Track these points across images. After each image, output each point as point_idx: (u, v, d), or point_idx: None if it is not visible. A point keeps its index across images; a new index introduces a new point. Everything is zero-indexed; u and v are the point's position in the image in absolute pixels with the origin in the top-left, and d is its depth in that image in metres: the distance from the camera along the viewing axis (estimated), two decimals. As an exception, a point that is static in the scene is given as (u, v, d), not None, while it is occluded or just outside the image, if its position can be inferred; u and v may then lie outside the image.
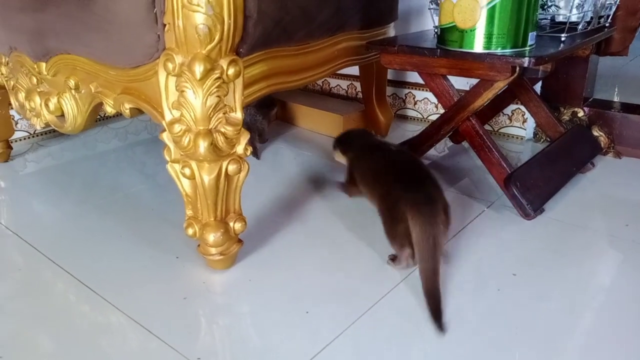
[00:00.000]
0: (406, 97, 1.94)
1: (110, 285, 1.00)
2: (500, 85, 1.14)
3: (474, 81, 1.26)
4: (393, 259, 1.01)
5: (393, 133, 1.80)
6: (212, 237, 0.95)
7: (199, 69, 0.83)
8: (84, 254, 1.11)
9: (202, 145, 0.88)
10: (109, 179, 1.50)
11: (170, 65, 0.86)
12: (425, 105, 1.90)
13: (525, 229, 1.16)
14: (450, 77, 1.24)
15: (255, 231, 1.17)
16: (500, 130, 1.76)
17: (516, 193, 1.17)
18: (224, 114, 0.90)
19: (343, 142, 1.26)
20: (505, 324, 0.87)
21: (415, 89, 1.90)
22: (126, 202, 1.34)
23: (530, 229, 1.17)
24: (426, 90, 1.88)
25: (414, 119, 1.95)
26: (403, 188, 0.96)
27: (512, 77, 1.10)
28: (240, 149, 0.94)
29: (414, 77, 1.89)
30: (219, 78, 0.86)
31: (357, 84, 2.04)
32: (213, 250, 0.99)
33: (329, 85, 2.15)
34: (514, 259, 1.05)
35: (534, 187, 1.20)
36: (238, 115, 0.92)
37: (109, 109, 1.05)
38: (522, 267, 1.02)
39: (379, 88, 1.68)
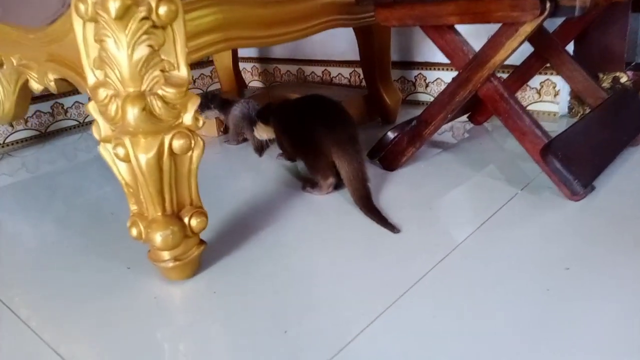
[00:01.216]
0: (416, 80, 1.70)
1: (40, 309, 0.77)
2: (527, 30, 0.89)
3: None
4: (312, 186, 1.09)
5: (402, 119, 1.56)
6: (159, 236, 0.73)
7: (113, 4, 0.61)
8: (22, 272, 0.90)
9: (132, 112, 0.66)
10: (92, 193, 1.29)
11: (82, 7, 0.65)
12: (439, 87, 1.66)
13: (571, 213, 0.91)
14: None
15: (227, 232, 0.94)
16: (528, 107, 1.51)
17: (558, 166, 0.91)
18: (161, 71, 0.68)
19: (261, 114, 1.26)
20: (560, 329, 0.62)
21: (426, 69, 1.67)
22: (94, 211, 1.13)
23: (578, 212, 0.91)
24: (438, 69, 1.64)
25: (426, 104, 1.70)
26: (327, 129, 1.03)
27: (542, 18, 0.86)
28: (187, 117, 0.72)
29: (423, 55, 1.66)
30: (146, 19, 0.64)
31: (360, 71, 1.81)
32: (165, 254, 0.76)
33: (329, 75, 1.92)
34: (562, 251, 0.80)
35: (579, 158, 0.95)
36: (182, 72, 0.70)
37: (35, 86, 0.85)
38: (573, 262, 0.76)
39: (381, 65, 1.45)
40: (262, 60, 2.15)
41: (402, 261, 0.81)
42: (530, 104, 1.51)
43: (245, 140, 1.45)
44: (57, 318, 0.75)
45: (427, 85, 1.69)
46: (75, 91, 1.79)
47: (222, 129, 1.57)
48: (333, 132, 1.02)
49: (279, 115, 1.20)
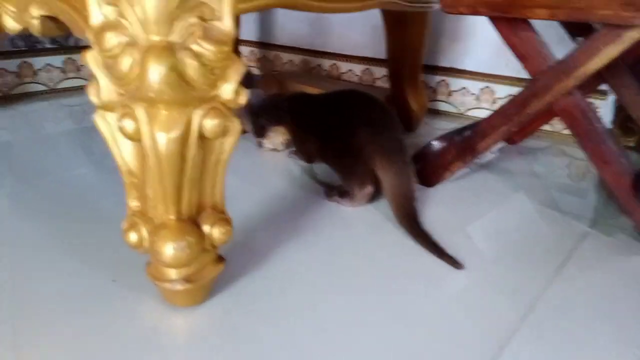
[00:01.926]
0: (438, 87, 1.54)
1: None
2: (633, 37, 0.74)
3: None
4: (341, 195, 0.90)
5: (422, 128, 1.39)
6: (170, 249, 0.52)
7: None
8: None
9: (156, 70, 0.46)
10: (59, 174, 1.06)
11: None
12: (463, 97, 1.50)
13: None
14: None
15: (239, 246, 0.74)
16: (564, 130, 1.37)
17: (651, 204, 0.76)
18: (199, 18, 0.48)
19: (271, 112, 1.09)
20: None
21: (451, 75, 1.51)
22: (65, 196, 0.90)
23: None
24: (466, 77, 1.48)
25: (447, 114, 1.55)
26: (371, 133, 0.86)
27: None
28: (227, 89, 0.52)
29: (450, 60, 1.50)
30: (193, -64, 0.45)
31: (375, 69, 1.64)
32: (172, 273, 0.55)
33: (338, 70, 1.74)
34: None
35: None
36: (227, 25, 0.50)
37: (10, 24, 0.62)
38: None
39: (412, 63, 1.28)
40: (262, 45, 1.94)
41: (477, 313, 0.63)
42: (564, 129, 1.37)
43: (244, 132, 1.24)
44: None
45: (449, 94, 1.53)
46: (49, 51, 1.54)
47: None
48: (379, 137, 0.85)
49: (301, 111, 1.01)
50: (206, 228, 0.55)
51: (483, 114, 1.47)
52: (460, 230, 0.83)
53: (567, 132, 1.37)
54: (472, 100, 1.49)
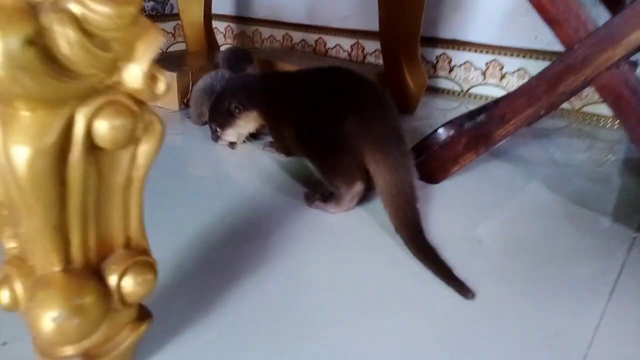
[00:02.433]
0: (438, 61, 1.35)
1: None
2: None
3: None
4: (324, 199, 0.72)
5: (421, 109, 1.21)
6: (49, 321, 0.34)
7: None
8: None
9: (3, 47, 0.27)
10: None
11: None
12: (467, 73, 1.32)
13: None
14: None
15: (190, 276, 0.56)
16: (584, 108, 1.19)
17: None
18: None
19: (237, 95, 0.89)
20: None
21: (453, 48, 1.32)
22: None
23: None
24: (470, 49, 1.29)
25: (449, 93, 1.36)
26: (360, 119, 0.68)
27: None
28: (135, 74, 0.33)
29: (451, 31, 1.31)
30: None
31: (366, 43, 1.45)
32: (67, 349, 0.37)
33: (324, 45, 1.54)
34: None
35: None
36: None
37: None
38: None
39: (410, 36, 1.09)
40: (240, 19, 1.74)
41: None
42: (588, 104, 1.19)
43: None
44: None
45: (451, 69, 1.34)
46: None
47: (185, 100, 1.17)
48: (369, 122, 0.67)
49: (275, 94, 0.82)
50: (112, 279, 0.37)
51: (490, 91, 1.29)
52: (470, 239, 0.66)
53: (586, 110, 1.19)
54: (477, 76, 1.30)
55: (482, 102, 1.27)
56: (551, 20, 0.66)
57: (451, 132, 0.75)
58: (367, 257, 0.62)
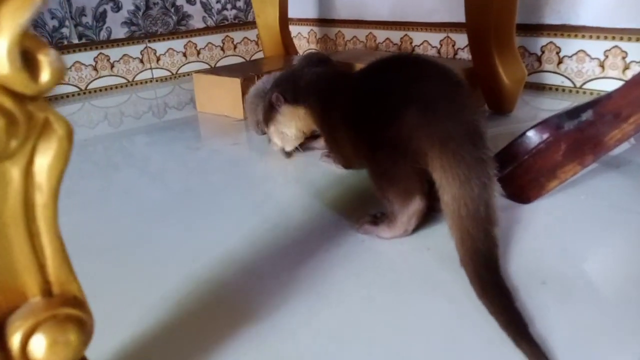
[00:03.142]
0: (543, 52, 1.14)
1: None
2: None
3: None
4: (374, 221, 0.58)
5: (516, 114, 1.01)
6: None
7: None
8: None
9: None
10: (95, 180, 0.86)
11: None
12: (580, 64, 1.09)
13: None
14: None
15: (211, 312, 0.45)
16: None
17: None
18: None
19: (284, 85, 0.77)
20: None
21: (562, 35, 1.10)
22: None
23: None
24: (584, 36, 1.07)
25: (557, 89, 1.14)
26: (423, 114, 0.52)
27: None
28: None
29: (559, 14, 1.09)
30: None
31: (456, 37, 1.27)
32: None
33: (411, 43, 1.39)
34: None
35: None
36: None
37: None
38: None
39: (502, 23, 0.91)
40: (322, 22, 1.64)
41: None
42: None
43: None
44: None
45: (560, 61, 1.12)
46: (77, 47, 1.37)
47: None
48: (437, 119, 0.52)
49: (329, 90, 0.70)
50: (14, 340, 0.27)
51: (609, 86, 1.05)
52: (567, 281, 0.48)
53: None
54: (593, 68, 1.07)
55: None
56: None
57: (545, 136, 0.57)
58: (419, 302, 0.47)
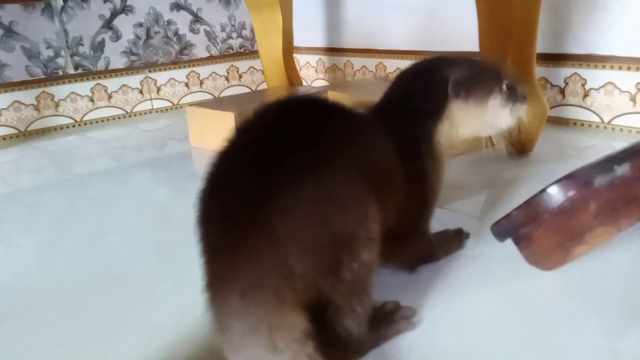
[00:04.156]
0: (567, 84, 1.03)
1: None
2: None
3: None
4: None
5: (537, 151, 0.90)
6: None
7: None
8: None
9: None
10: (92, 216, 0.79)
11: None
12: (609, 98, 0.98)
13: None
14: None
15: None
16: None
17: None
18: None
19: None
20: None
21: (588, 66, 0.99)
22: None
23: None
24: (613, 67, 0.96)
25: (584, 125, 1.03)
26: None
27: None
28: None
29: (586, 44, 0.99)
30: None
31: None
32: None
33: (422, 73, 1.30)
34: None
35: None
36: None
37: None
38: None
39: (520, 52, 0.81)
40: (330, 50, 1.57)
41: None
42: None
43: None
44: None
45: (586, 95, 1.01)
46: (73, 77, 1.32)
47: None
48: None
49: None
50: None
51: (645, 121, 0.94)
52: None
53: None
54: (623, 101, 0.96)
55: (633, 138, 0.93)
56: None
57: (571, 193, 0.46)
58: None
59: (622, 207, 0.45)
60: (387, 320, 0.46)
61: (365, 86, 1.24)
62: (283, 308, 0.33)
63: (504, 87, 0.54)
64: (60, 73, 1.32)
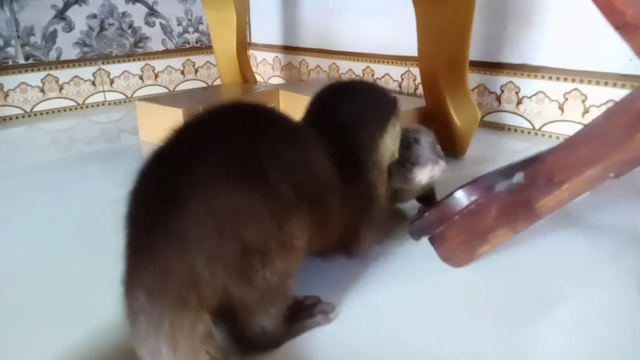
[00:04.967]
0: (503, 91, 1.10)
1: None
2: None
3: None
4: None
5: (473, 153, 0.96)
6: None
7: None
8: None
9: None
10: (40, 211, 0.78)
11: None
12: (540, 106, 1.05)
13: None
14: None
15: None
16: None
17: None
18: None
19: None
20: None
21: (522, 74, 1.06)
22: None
23: None
24: (544, 77, 1.03)
25: (517, 130, 1.09)
26: None
27: None
28: None
29: (520, 53, 1.05)
30: None
31: (418, 71, 1.23)
32: None
33: (372, 74, 1.34)
34: None
35: None
36: None
37: None
38: None
39: (453, 61, 0.86)
40: (286, 49, 1.60)
41: None
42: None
43: None
44: None
45: (520, 102, 1.08)
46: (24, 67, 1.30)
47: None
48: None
49: None
50: None
51: (569, 129, 1.01)
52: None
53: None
54: (552, 110, 1.03)
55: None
56: (626, 26, 0.41)
57: (474, 197, 0.51)
58: None
59: (519, 210, 0.50)
60: (306, 313, 0.49)
61: (317, 86, 1.27)
62: (186, 310, 0.36)
63: None
64: (10, 63, 1.30)
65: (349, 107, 0.57)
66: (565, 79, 1.00)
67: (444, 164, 0.63)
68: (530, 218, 0.49)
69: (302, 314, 0.49)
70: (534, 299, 0.51)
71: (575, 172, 0.45)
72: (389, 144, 0.57)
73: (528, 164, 0.49)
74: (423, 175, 0.61)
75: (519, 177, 0.49)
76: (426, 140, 0.63)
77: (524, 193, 0.48)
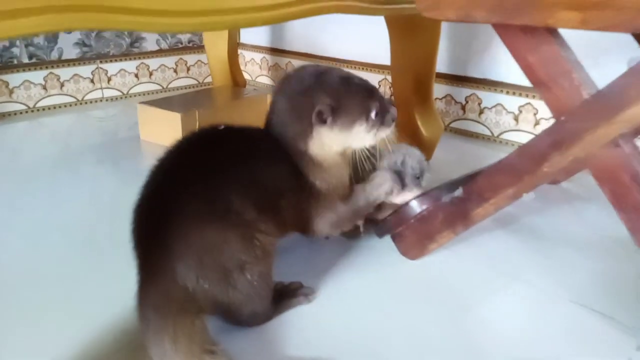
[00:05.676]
0: (467, 102, 1.23)
1: None
2: None
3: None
4: None
5: (441, 156, 1.10)
6: None
7: None
8: None
9: None
10: (39, 205, 0.88)
11: None
12: (498, 116, 1.19)
13: None
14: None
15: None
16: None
17: None
18: None
19: None
20: None
21: (484, 89, 1.19)
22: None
23: None
24: (502, 91, 1.17)
25: (478, 137, 1.23)
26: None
27: None
28: None
29: (483, 70, 1.19)
30: None
31: (393, 80, 1.36)
32: None
33: (352, 81, 1.46)
34: None
35: None
36: None
37: None
38: None
39: (420, 77, 0.99)
40: (274, 51, 1.71)
41: None
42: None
43: None
44: None
45: (481, 112, 1.22)
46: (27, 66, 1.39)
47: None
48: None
49: None
50: None
51: (522, 138, 1.15)
52: (440, 343, 0.55)
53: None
54: (508, 120, 1.17)
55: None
56: (539, 82, 0.55)
57: (425, 206, 0.65)
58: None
59: (458, 218, 0.64)
60: (291, 294, 0.62)
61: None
62: (186, 314, 0.48)
63: (373, 113, 0.59)
64: (15, 62, 1.39)
65: (282, 104, 0.60)
66: (520, 94, 1.14)
67: (416, 190, 0.66)
68: (466, 223, 0.63)
69: (287, 295, 0.62)
70: (473, 288, 0.65)
71: (498, 190, 0.58)
72: (327, 140, 0.58)
73: (466, 182, 0.62)
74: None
75: (459, 192, 0.62)
76: (411, 167, 0.67)
77: (463, 204, 0.62)
